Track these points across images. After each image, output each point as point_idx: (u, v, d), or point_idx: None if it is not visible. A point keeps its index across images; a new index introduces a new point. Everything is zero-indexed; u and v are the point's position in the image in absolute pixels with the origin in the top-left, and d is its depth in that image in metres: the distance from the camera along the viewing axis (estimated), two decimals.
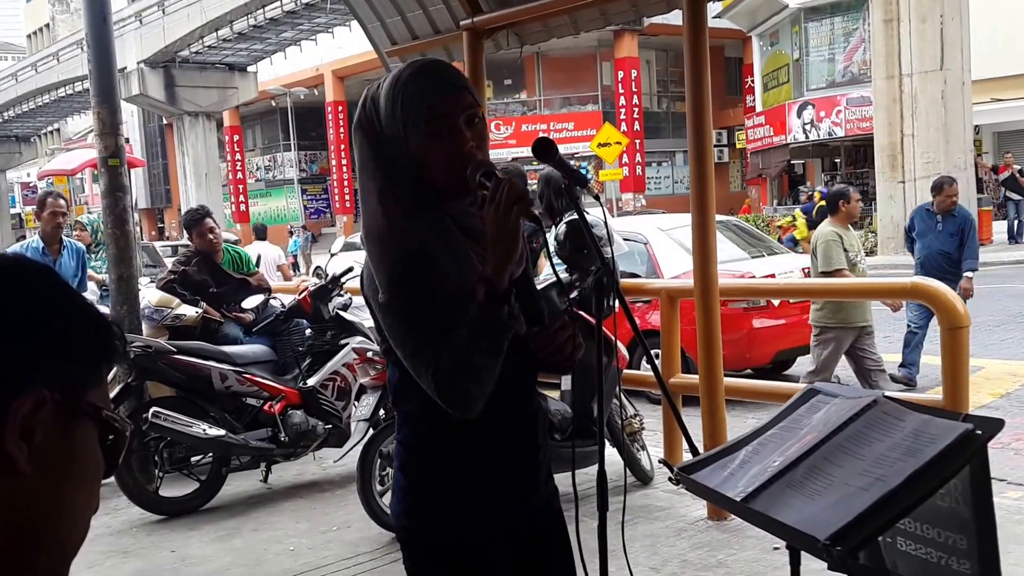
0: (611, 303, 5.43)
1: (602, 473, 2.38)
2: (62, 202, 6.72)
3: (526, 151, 28.41)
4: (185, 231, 6.78)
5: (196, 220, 6.54)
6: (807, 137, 29.00)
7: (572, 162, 27.41)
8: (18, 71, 39.24)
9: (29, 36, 58.98)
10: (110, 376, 5.06)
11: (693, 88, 4.77)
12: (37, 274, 0.92)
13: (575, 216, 5.63)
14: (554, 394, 5.56)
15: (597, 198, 2.57)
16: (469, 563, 2.00)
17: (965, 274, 8.07)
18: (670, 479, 2.19)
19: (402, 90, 1.89)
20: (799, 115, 28.94)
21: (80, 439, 0.90)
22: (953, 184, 8.46)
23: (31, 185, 33.09)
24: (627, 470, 4.99)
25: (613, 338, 5.24)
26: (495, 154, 24.77)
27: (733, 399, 5.72)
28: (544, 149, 2.10)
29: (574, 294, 5.49)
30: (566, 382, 5.44)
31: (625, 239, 7.61)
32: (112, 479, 5.86)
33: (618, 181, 27.83)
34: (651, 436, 6.02)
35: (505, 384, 1.89)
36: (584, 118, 33.30)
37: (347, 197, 39.38)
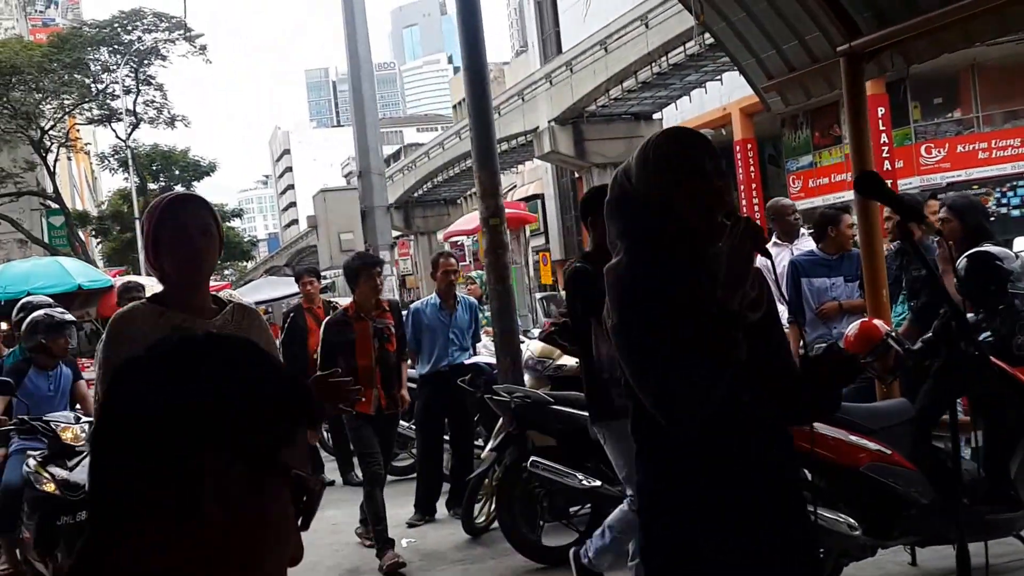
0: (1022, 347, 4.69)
1: (963, 547, 2.28)
2: (452, 260, 7.21)
3: (963, 174, 25.91)
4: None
5: None
6: None
7: (1021, 183, 24.22)
8: (444, 139, 43.44)
9: (454, 107, 65.21)
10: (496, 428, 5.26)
11: None
12: (240, 351, 1.04)
13: (978, 249, 5.00)
14: (965, 451, 4.95)
15: (939, 232, 2.45)
16: None
17: None
18: None
19: (654, 151, 2.19)
20: None
21: (271, 496, 0.98)
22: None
23: (458, 244, 36.09)
24: None
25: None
26: (928, 179, 22.89)
27: None
28: (869, 184, 2.36)
29: (983, 335, 4.83)
30: (978, 438, 4.80)
31: None
32: (496, 523, 6.13)
33: None
34: None
35: (736, 421, 2.08)
36: None
37: None
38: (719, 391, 1.99)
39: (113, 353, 2.69)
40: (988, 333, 4.84)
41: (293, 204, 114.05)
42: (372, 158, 10.46)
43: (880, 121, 27.79)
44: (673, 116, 37.48)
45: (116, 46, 32.58)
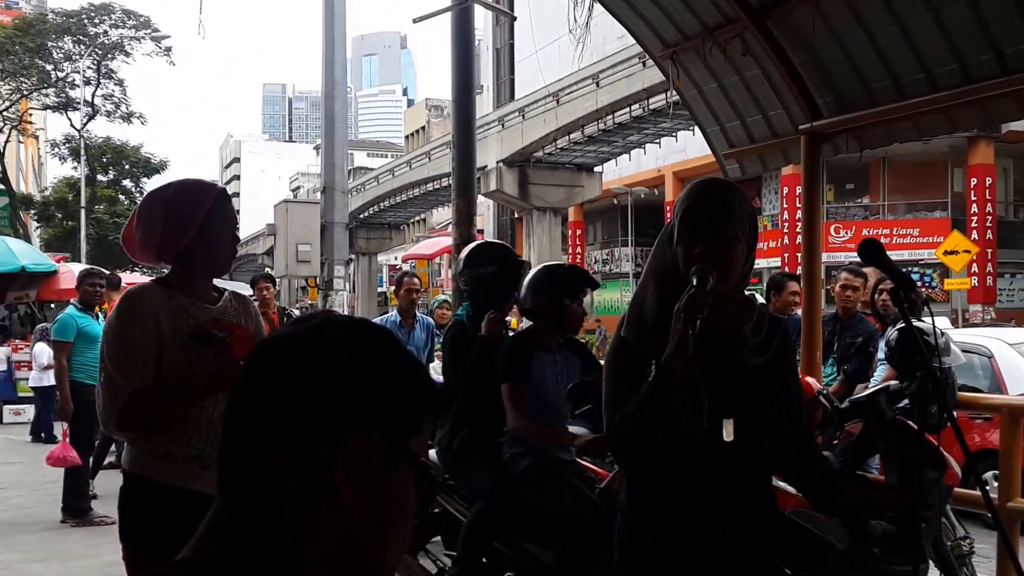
0: (942, 414, 5.14)
1: None
2: (416, 281, 7.46)
3: None
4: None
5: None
6: None
7: (916, 269, 25.50)
8: (395, 167, 43.73)
9: (407, 137, 65.94)
10: None
11: None
12: (380, 338, 1.06)
13: (911, 323, 5.46)
14: None
15: (926, 303, 2.61)
16: None
17: None
18: None
19: (678, 200, 2.30)
20: None
21: (398, 481, 1.02)
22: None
23: (397, 267, 36.41)
24: None
25: (943, 451, 4.97)
26: (833, 256, 23.76)
27: None
28: (871, 251, 2.36)
29: (904, 402, 5.28)
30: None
31: (967, 351, 7.18)
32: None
33: (965, 291, 26.03)
34: (984, 564, 5.58)
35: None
36: (931, 225, 31.47)
37: None
38: (649, 439, 2.13)
39: (128, 327, 2.77)
40: (907, 400, 5.29)
41: (236, 212, 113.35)
42: (337, 175, 10.71)
43: (797, 199, 29.11)
44: (612, 171, 38.38)
45: (81, 37, 32.35)
